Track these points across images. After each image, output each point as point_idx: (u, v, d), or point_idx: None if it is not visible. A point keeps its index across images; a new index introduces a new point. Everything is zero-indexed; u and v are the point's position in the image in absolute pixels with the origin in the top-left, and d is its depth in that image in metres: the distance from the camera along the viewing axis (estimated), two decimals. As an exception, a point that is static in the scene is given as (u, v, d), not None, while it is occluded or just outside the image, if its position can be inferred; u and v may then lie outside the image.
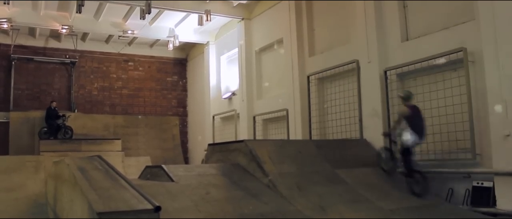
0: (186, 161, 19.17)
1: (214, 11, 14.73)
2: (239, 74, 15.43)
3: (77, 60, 18.27)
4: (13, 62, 17.19)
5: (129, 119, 18.78)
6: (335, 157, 8.65)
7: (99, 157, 6.78)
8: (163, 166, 7.59)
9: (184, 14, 15.84)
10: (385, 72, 9.66)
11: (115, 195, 5.07)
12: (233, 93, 16.39)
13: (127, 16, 16.15)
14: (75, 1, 12.75)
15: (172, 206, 5.85)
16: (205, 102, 18.11)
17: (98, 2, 14.80)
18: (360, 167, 8.59)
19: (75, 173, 5.68)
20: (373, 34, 10.00)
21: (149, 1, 13.34)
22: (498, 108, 7.28)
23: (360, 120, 10.21)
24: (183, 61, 20.69)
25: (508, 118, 7.18)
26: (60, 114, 16.13)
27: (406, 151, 7.88)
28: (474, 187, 7.77)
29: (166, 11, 15.36)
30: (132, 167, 14.22)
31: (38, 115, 16.55)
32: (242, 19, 15.26)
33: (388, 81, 9.62)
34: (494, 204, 7.34)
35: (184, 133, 20.14)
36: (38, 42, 17.80)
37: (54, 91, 18.07)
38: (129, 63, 19.58)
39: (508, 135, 7.15)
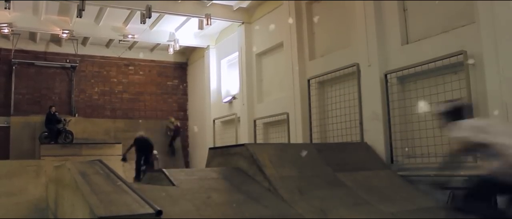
0: (187, 165, 19.17)
1: (214, 15, 14.77)
2: (240, 78, 15.45)
3: (77, 64, 18.29)
4: (13, 67, 17.23)
5: (130, 123, 18.78)
6: (336, 161, 8.64)
7: (100, 161, 6.78)
8: (164, 170, 7.59)
9: (184, 18, 15.87)
10: (386, 75, 9.67)
11: (116, 200, 5.07)
12: (234, 97, 16.41)
13: (127, 20, 16.18)
14: (77, 1, 12.75)
15: (173, 210, 5.85)
16: (206, 106, 18.12)
17: (98, 7, 14.83)
18: (361, 170, 8.59)
19: (76, 178, 5.68)
20: (373, 37, 10.02)
21: (149, 3, 13.40)
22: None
23: (361, 123, 10.20)
24: (183, 65, 20.71)
25: (509, 121, 7.18)
26: (60, 118, 16.15)
27: None
28: (475, 190, 7.76)
29: (166, 15, 15.40)
30: (133, 171, 14.23)
31: (39, 119, 16.58)
32: (242, 23, 15.29)
33: (389, 84, 9.63)
34: (495, 207, 7.33)
35: (184, 137, 20.14)
36: (39, 47, 17.84)
37: (54, 96, 18.08)
38: (130, 68, 19.60)
39: (508, 138, 7.15)
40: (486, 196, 4.27)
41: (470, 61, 7.92)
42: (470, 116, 4.57)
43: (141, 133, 14.43)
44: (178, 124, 18.84)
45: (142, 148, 13.82)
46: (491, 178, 4.19)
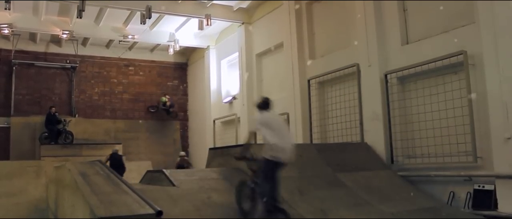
0: (187, 165, 19.15)
1: (214, 16, 14.77)
2: (240, 79, 15.44)
3: (77, 65, 18.29)
4: (14, 68, 17.22)
5: (130, 124, 18.80)
6: (336, 161, 8.65)
7: (101, 161, 6.79)
8: (164, 170, 7.60)
9: (184, 18, 15.88)
10: (386, 75, 9.67)
11: (116, 200, 5.07)
12: (234, 98, 16.40)
13: (127, 21, 16.19)
14: (77, 1, 12.75)
15: (174, 211, 5.85)
16: (206, 106, 18.12)
17: (98, 7, 14.83)
18: (361, 170, 8.59)
19: (77, 178, 5.68)
20: (373, 37, 10.02)
21: (149, 3, 13.41)
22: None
23: (361, 124, 10.20)
24: (183, 66, 20.71)
25: (509, 120, 7.18)
26: (60, 118, 16.14)
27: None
28: (475, 190, 7.77)
29: (166, 16, 15.40)
30: (133, 171, 14.21)
31: (39, 120, 16.58)
32: (242, 23, 15.30)
33: (389, 84, 9.63)
34: (495, 207, 7.34)
35: (185, 138, 20.14)
36: (39, 48, 17.84)
37: (55, 96, 18.08)
38: (130, 68, 19.60)
39: (509, 138, 7.16)
40: (268, 172, 5.90)
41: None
42: (270, 109, 6.27)
43: (116, 149, 14.29)
44: (169, 97, 19.31)
45: (114, 168, 13.41)
46: (265, 159, 5.87)
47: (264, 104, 6.27)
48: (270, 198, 5.80)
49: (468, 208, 7.74)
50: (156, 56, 19.84)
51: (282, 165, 5.94)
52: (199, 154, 18.18)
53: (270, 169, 5.89)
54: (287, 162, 5.92)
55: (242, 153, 6.33)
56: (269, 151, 5.84)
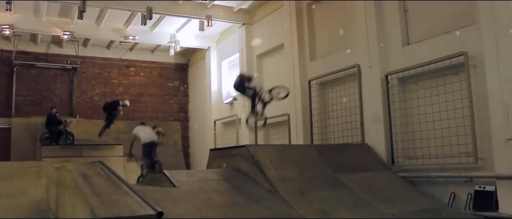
0: (188, 166, 19.16)
1: (215, 17, 14.77)
2: (240, 79, 15.41)
3: (78, 66, 18.30)
4: (14, 68, 17.23)
5: (131, 125, 18.70)
6: (336, 162, 8.64)
7: (101, 162, 6.78)
8: (165, 171, 7.59)
9: (185, 19, 15.88)
10: (386, 76, 9.67)
11: (117, 201, 5.08)
12: (235, 99, 16.40)
13: (128, 22, 16.20)
14: (78, 2, 12.76)
15: (174, 212, 5.85)
16: (207, 107, 18.13)
17: (99, 8, 14.85)
18: (362, 171, 8.59)
19: (77, 179, 5.69)
20: (374, 38, 10.02)
21: (150, 3, 13.42)
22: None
23: (362, 124, 10.20)
24: (184, 67, 20.71)
25: (510, 121, 7.18)
26: (61, 119, 16.14)
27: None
28: (476, 191, 7.76)
29: (167, 17, 15.40)
30: (133, 172, 14.19)
31: (40, 120, 16.55)
32: (243, 24, 15.30)
33: (390, 85, 9.63)
34: (496, 208, 7.34)
35: (185, 138, 20.14)
36: (40, 48, 17.84)
37: (55, 97, 18.09)
38: (131, 69, 19.60)
39: (510, 139, 7.15)
40: (145, 152, 11.85)
41: None
42: (144, 125, 12.60)
43: (126, 103, 16.11)
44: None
45: (107, 111, 15.72)
46: (143, 144, 11.83)
47: (141, 124, 12.59)
48: (149, 165, 11.59)
49: (469, 209, 7.74)
50: (157, 57, 19.84)
51: (150, 146, 11.91)
52: (200, 155, 18.18)
53: (145, 150, 11.80)
54: (150, 141, 11.96)
55: (130, 148, 12.41)
56: (142, 141, 11.84)
